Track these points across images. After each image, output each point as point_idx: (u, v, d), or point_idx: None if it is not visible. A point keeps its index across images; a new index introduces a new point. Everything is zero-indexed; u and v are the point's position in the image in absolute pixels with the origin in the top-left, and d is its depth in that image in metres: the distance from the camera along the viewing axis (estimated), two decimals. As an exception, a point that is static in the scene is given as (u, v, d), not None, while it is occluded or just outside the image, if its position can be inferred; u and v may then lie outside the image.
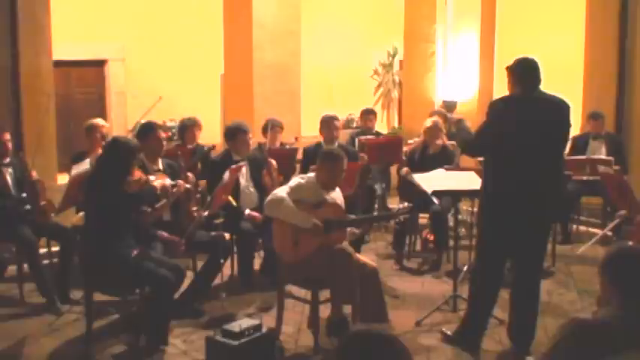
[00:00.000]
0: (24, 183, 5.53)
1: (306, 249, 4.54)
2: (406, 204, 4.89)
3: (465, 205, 7.04)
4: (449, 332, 4.73)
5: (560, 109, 4.33)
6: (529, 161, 4.24)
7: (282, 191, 4.64)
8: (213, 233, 5.57)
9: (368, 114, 8.24)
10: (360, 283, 4.53)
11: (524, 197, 4.26)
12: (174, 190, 4.97)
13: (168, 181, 4.99)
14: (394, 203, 6.18)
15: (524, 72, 4.36)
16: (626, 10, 7.97)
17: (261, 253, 6.14)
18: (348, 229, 4.80)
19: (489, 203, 4.44)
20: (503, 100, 4.47)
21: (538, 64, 4.36)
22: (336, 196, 4.79)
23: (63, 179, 6.62)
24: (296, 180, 4.76)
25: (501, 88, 9.90)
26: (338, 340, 4.46)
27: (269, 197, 4.70)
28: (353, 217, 5.02)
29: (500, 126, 4.32)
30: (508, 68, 4.44)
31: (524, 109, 4.32)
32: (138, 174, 4.74)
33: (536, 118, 4.28)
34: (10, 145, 5.57)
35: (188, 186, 5.26)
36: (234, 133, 6.00)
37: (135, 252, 4.59)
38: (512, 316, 4.53)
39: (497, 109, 4.38)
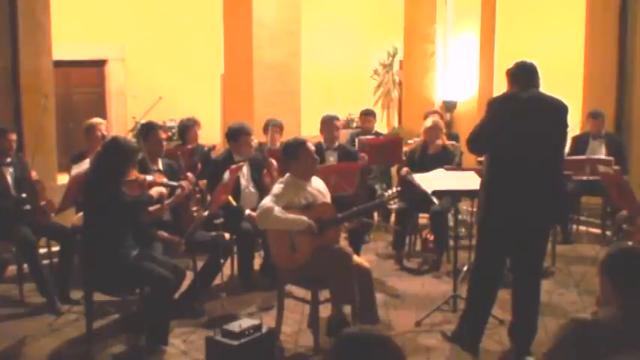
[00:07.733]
0: (24, 183, 5.53)
1: (303, 253, 4.53)
2: (394, 189, 4.85)
3: (465, 205, 7.03)
4: (448, 333, 4.74)
5: (557, 108, 4.33)
6: (528, 160, 4.23)
7: (267, 201, 4.59)
8: (213, 233, 5.58)
9: (367, 115, 8.23)
10: None
11: (523, 197, 4.25)
12: (178, 191, 4.96)
13: (167, 182, 4.99)
14: (394, 203, 6.17)
15: (520, 73, 4.38)
16: (626, 10, 7.97)
17: (261, 253, 6.14)
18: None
19: (489, 202, 4.44)
20: (501, 96, 4.48)
21: (536, 67, 4.38)
22: (319, 186, 4.78)
23: (63, 179, 6.63)
24: (276, 186, 4.72)
25: (501, 88, 9.93)
26: (332, 341, 4.48)
27: (257, 211, 4.65)
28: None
29: (498, 123, 4.32)
30: (507, 71, 4.47)
31: (521, 105, 4.31)
32: (134, 174, 4.73)
33: (532, 115, 4.27)
34: (14, 145, 5.59)
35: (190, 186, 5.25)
36: (236, 135, 5.99)
37: (135, 252, 4.59)
38: (514, 316, 4.53)
39: (495, 106, 4.39)
